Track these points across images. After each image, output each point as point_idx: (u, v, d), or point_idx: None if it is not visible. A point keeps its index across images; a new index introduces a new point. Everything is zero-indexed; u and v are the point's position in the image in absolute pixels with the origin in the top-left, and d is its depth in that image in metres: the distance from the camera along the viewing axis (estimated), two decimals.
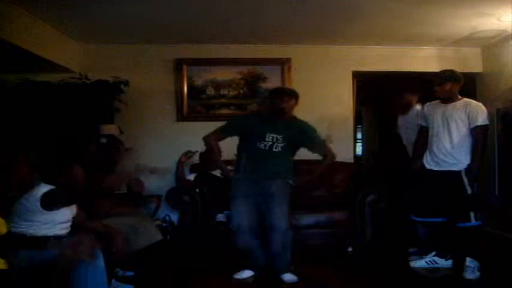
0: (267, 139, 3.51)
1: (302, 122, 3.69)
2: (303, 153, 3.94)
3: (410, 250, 4.07)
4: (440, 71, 3.75)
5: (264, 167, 3.52)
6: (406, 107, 4.38)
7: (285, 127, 3.55)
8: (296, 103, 3.60)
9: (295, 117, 3.68)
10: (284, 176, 3.56)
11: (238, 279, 3.54)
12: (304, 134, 3.63)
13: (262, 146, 3.51)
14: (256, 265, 3.59)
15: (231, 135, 3.68)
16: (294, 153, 3.67)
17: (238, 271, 3.58)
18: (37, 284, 2.39)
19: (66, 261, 2.23)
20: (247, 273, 3.57)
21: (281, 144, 3.52)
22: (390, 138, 4.92)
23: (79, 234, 2.62)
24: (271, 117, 3.60)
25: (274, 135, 3.51)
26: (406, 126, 4.37)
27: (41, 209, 2.55)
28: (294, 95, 3.59)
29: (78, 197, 2.78)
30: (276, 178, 3.51)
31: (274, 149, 3.51)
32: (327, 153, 3.71)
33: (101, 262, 2.51)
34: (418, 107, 4.26)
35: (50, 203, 2.56)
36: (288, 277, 3.48)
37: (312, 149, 3.69)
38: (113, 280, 3.05)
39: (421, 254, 3.84)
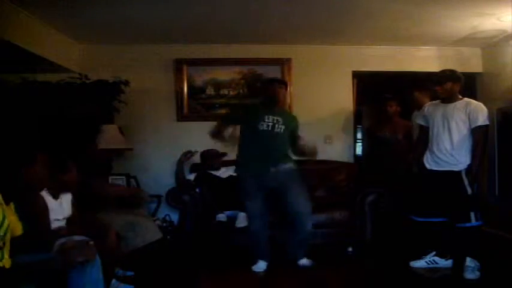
0: (266, 120, 3.69)
1: (290, 113, 4.09)
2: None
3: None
4: (441, 71, 3.74)
5: (270, 151, 3.68)
6: (419, 104, 4.30)
7: (280, 112, 3.79)
8: (286, 92, 3.99)
9: (284, 108, 4.01)
10: (289, 161, 3.77)
11: (257, 272, 3.65)
12: (293, 122, 3.89)
13: (264, 127, 3.67)
14: (267, 255, 3.72)
15: (232, 123, 3.84)
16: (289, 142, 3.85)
17: (254, 263, 3.71)
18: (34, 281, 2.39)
19: (64, 262, 2.22)
20: (262, 264, 3.69)
21: (282, 127, 3.72)
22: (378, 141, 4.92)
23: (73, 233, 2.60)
24: (266, 104, 3.81)
25: (273, 117, 3.71)
26: None
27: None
28: (285, 84, 3.97)
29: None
30: (283, 165, 3.70)
31: (276, 130, 3.70)
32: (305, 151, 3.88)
33: (97, 260, 2.50)
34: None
35: None
36: (306, 262, 3.71)
37: (294, 139, 3.84)
38: (113, 280, 3.04)
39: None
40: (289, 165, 3.76)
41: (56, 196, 2.77)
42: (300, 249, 3.78)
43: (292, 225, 3.73)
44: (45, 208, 2.66)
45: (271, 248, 3.77)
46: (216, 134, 3.84)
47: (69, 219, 2.85)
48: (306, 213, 3.72)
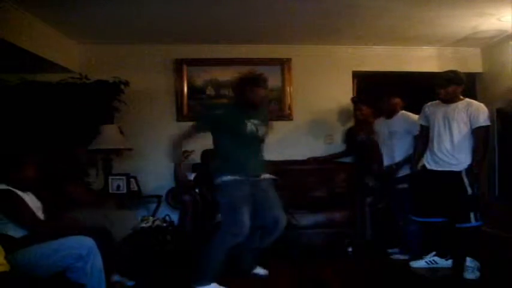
0: (249, 124, 3.33)
1: (263, 110, 3.58)
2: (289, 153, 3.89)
3: (390, 250, 4.16)
4: (443, 72, 3.69)
5: (257, 155, 3.41)
6: (392, 111, 4.23)
7: (256, 113, 3.41)
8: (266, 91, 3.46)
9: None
10: (265, 167, 3.48)
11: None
12: (266, 119, 3.52)
13: (250, 131, 3.32)
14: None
15: (203, 131, 3.45)
16: None
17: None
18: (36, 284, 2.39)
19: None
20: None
21: (262, 128, 3.41)
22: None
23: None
24: (243, 107, 3.39)
25: (255, 120, 3.36)
26: (388, 131, 4.21)
27: None
28: (265, 83, 3.41)
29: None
30: (263, 172, 3.43)
31: (259, 134, 3.38)
32: None
33: (98, 262, 2.51)
34: (404, 112, 4.17)
35: None
36: (261, 271, 3.56)
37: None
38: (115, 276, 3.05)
39: (404, 253, 4.01)
40: (269, 175, 3.47)
41: (23, 189, 2.78)
42: (255, 260, 3.59)
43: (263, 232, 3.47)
44: (22, 199, 2.68)
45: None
46: (179, 143, 3.54)
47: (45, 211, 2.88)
48: (282, 226, 3.40)
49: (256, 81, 3.38)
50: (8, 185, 2.68)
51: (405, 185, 4.00)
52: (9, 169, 2.72)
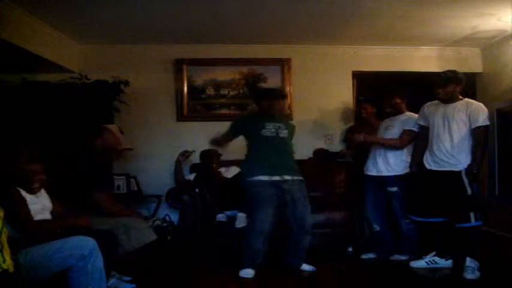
0: (268, 127, 3.67)
1: (288, 121, 4.08)
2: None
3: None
4: (442, 72, 3.69)
5: (280, 157, 3.67)
6: (397, 111, 4.13)
7: (279, 120, 3.79)
8: (285, 102, 3.96)
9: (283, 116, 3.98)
10: (297, 169, 3.75)
11: (243, 278, 3.51)
12: (292, 129, 3.92)
13: (268, 133, 3.65)
14: (258, 264, 3.59)
15: (238, 135, 3.86)
16: None
17: (242, 269, 3.56)
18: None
19: None
20: (251, 271, 3.54)
21: (285, 131, 3.73)
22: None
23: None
24: (266, 115, 3.75)
25: (274, 123, 3.69)
26: (385, 126, 4.16)
27: None
28: (285, 97, 3.94)
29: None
30: (294, 175, 3.68)
31: (280, 136, 3.69)
32: None
33: (99, 262, 2.50)
34: (410, 114, 4.08)
35: None
36: (308, 267, 3.68)
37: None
38: (113, 280, 3.04)
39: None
40: (300, 177, 3.72)
41: (31, 191, 2.77)
42: (300, 257, 3.70)
43: (291, 236, 3.67)
44: (23, 199, 2.67)
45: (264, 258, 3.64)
46: (218, 143, 4.01)
47: (52, 213, 2.86)
48: (308, 230, 3.67)
49: (275, 94, 3.84)
50: (14, 184, 2.67)
51: (395, 188, 3.96)
52: (15, 168, 2.71)
